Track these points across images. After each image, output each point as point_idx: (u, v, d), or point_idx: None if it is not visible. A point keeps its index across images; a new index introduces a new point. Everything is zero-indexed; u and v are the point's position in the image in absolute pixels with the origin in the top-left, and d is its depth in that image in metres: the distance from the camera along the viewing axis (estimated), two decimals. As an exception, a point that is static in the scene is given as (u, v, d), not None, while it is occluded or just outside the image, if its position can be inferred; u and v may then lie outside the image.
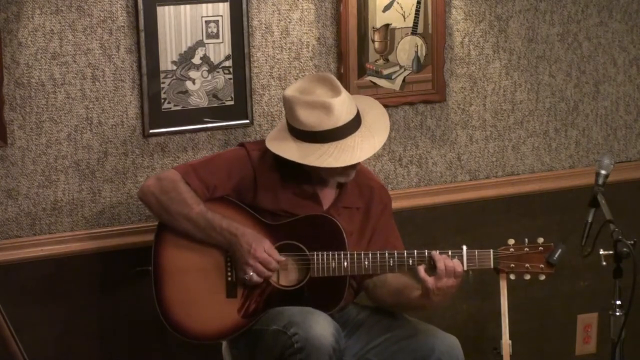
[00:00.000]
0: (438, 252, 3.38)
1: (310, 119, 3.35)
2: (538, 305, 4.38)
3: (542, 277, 3.45)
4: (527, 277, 3.45)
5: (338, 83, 3.42)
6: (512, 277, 3.45)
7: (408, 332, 3.45)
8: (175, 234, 3.43)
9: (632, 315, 3.34)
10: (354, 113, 3.41)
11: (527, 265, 3.42)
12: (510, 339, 3.51)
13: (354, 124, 3.40)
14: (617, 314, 3.34)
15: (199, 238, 3.41)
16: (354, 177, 3.47)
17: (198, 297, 3.42)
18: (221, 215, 3.40)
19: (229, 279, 3.42)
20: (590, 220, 3.40)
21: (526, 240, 3.44)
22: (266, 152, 3.47)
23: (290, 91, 3.41)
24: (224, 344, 3.55)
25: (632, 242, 3.27)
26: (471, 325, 4.28)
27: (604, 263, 3.32)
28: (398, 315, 3.55)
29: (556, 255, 3.40)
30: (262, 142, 3.50)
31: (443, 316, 4.21)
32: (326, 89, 3.40)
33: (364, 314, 3.56)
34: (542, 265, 3.42)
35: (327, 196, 3.51)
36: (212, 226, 3.38)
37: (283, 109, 3.51)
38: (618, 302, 3.33)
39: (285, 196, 3.46)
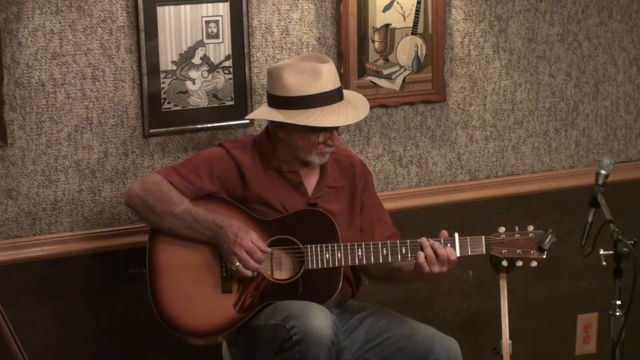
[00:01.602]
0: (430, 239, 3.40)
1: (299, 83, 3.40)
2: (538, 305, 4.38)
3: (534, 264, 3.47)
4: (520, 263, 3.47)
5: (325, 56, 3.51)
6: (504, 263, 3.48)
7: (407, 333, 3.45)
8: (168, 232, 3.44)
9: (632, 315, 3.34)
10: (339, 85, 3.47)
11: (518, 251, 3.44)
12: (510, 339, 3.51)
13: (338, 94, 3.46)
14: (617, 314, 3.35)
15: (187, 236, 3.42)
16: (333, 156, 3.52)
17: (193, 293, 3.42)
18: (208, 210, 3.42)
19: (224, 274, 3.42)
20: (590, 220, 3.40)
21: (516, 227, 3.45)
22: (245, 147, 3.52)
23: (276, 64, 3.51)
24: (224, 343, 3.56)
25: (632, 242, 3.28)
26: (471, 325, 4.28)
27: (604, 263, 3.33)
28: (397, 315, 3.56)
29: (547, 241, 3.42)
30: (240, 138, 3.59)
31: (443, 316, 4.21)
32: (314, 60, 3.48)
33: (363, 314, 3.57)
34: (533, 251, 3.44)
35: (311, 180, 3.54)
36: (198, 221, 3.40)
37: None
38: (618, 302, 3.34)
39: (271, 187, 3.48)
